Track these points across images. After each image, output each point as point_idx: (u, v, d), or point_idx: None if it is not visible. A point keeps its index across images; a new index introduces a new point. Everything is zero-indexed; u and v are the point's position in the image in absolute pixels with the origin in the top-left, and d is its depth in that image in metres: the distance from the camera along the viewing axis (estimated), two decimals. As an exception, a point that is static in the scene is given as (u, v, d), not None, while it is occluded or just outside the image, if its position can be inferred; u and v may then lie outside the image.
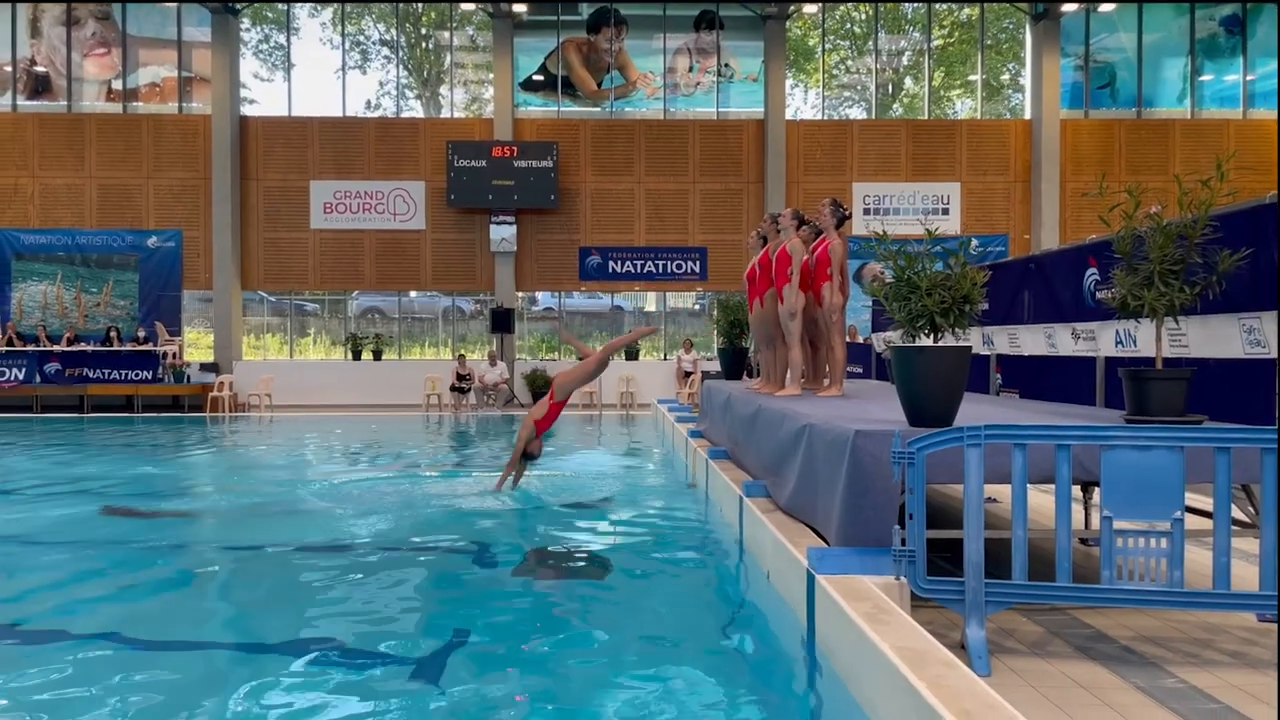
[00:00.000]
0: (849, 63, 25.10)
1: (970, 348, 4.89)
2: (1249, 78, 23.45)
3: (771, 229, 8.52)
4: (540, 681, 4.18)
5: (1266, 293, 4.85)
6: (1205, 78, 23.64)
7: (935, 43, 24.50)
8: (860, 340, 17.25)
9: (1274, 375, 4.98)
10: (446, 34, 24.47)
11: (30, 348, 21.26)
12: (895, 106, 24.90)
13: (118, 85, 23.37)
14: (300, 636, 4.83)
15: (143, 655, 4.56)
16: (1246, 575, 4.13)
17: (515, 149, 22.63)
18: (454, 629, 5.02)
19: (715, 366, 18.31)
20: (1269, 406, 5.03)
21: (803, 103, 24.83)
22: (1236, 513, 3.98)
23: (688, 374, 21.66)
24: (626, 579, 6.09)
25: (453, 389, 20.93)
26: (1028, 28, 23.66)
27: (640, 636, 4.81)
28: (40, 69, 23.34)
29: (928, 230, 5.20)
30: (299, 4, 23.94)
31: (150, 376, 21.08)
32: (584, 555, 6.89)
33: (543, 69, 23.74)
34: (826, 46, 24.66)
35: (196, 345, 23.93)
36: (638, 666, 4.36)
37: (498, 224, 22.90)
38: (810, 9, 23.98)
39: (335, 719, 3.76)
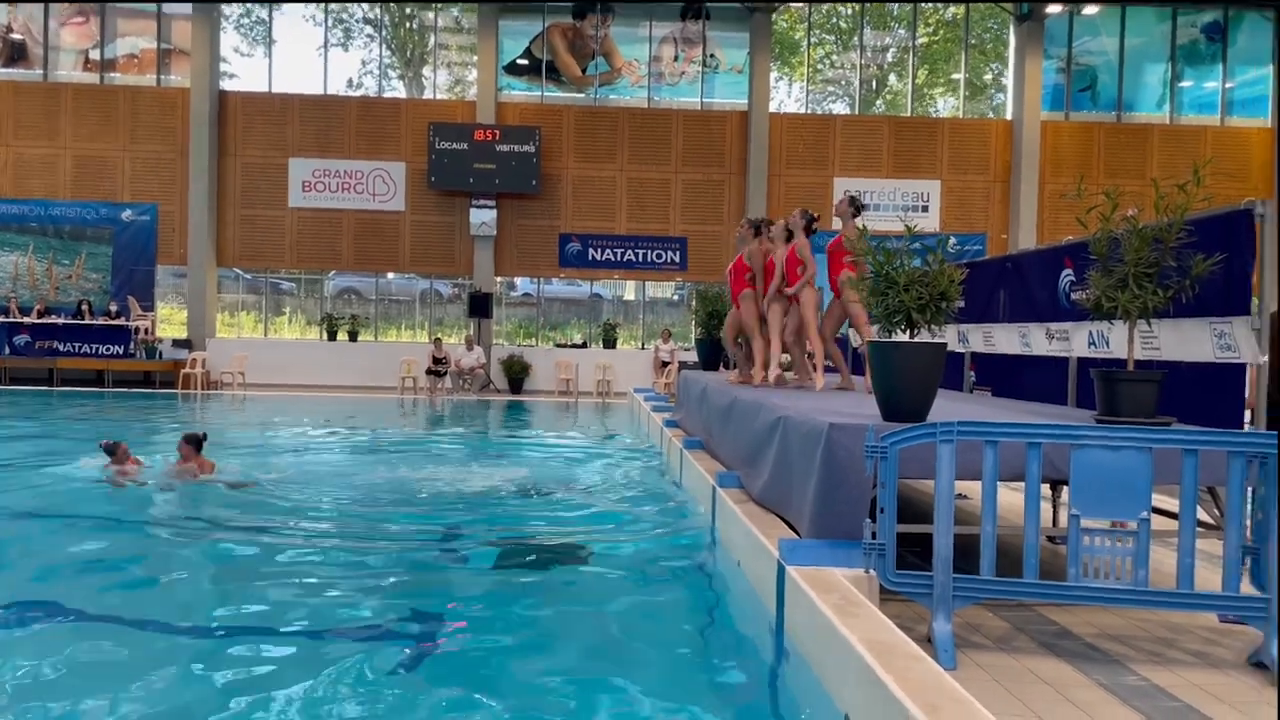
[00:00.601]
0: (834, 57, 25.13)
1: (945, 345, 4.92)
2: (1228, 85, 23.68)
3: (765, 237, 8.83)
4: (507, 671, 4.18)
5: (1238, 298, 4.91)
6: (1185, 84, 23.84)
7: (920, 40, 24.57)
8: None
9: (1242, 379, 5.04)
10: (431, 14, 24.27)
11: (0, 319, 20.97)
12: (878, 103, 24.96)
13: (95, 55, 23.03)
14: (259, 624, 4.79)
15: (103, 635, 4.53)
16: (1210, 576, 4.19)
17: (497, 132, 22.50)
18: (421, 617, 5.00)
19: (693, 357, 18.33)
20: (1236, 410, 5.09)
21: (786, 96, 24.86)
22: (1201, 514, 4.04)
23: (665, 364, 21.66)
24: (597, 568, 6.10)
25: (429, 372, 20.84)
26: (1011, 28, 23.77)
27: (610, 625, 4.82)
28: (16, 36, 22.94)
29: (907, 227, 5.23)
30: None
31: (122, 351, 20.85)
32: (554, 544, 6.87)
33: (527, 53, 23.61)
34: (812, 40, 24.67)
35: (170, 321, 23.68)
36: (607, 655, 4.37)
37: (478, 207, 22.78)
38: (797, 4, 23.98)
39: (290, 707, 3.74)
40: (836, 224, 8.37)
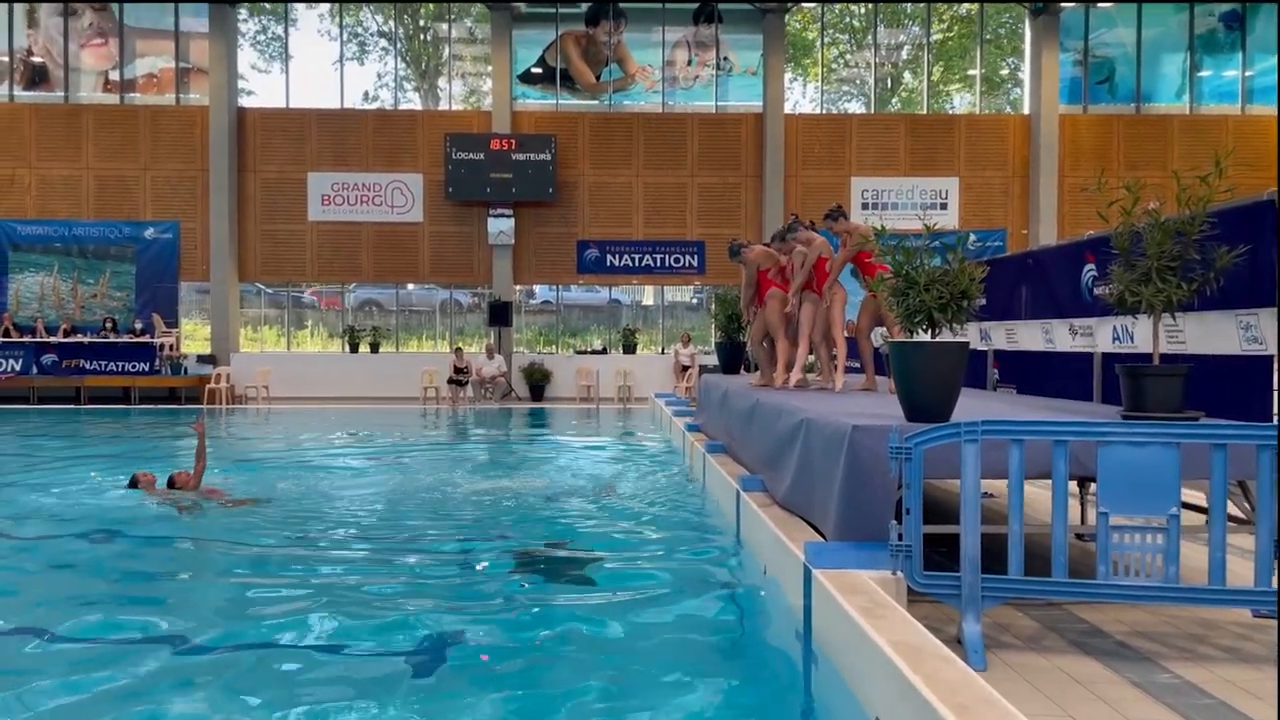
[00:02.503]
0: (848, 57, 25.07)
1: (968, 343, 4.89)
2: (1248, 74, 23.44)
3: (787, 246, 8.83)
4: (532, 675, 4.19)
5: (1264, 289, 4.86)
6: (1204, 73, 23.62)
7: (934, 37, 24.47)
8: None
9: (1271, 372, 4.99)
10: (445, 26, 24.41)
11: (27, 339, 21.22)
12: (894, 101, 24.87)
13: (115, 76, 23.30)
14: (279, 631, 4.81)
15: (130, 649, 4.57)
16: (1242, 571, 4.14)
17: (513, 142, 22.59)
18: (443, 624, 5.00)
19: (713, 360, 18.30)
20: (1265, 403, 5.04)
21: (801, 97, 24.81)
22: (1232, 509, 4.00)
23: (685, 368, 21.67)
24: (622, 573, 6.09)
25: (450, 382, 20.92)
26: (1027, 22, 23.63)
27: (636, 631, 4.81)
28: (37, 59, 23.26)
29: (926, 225, 5.20)
30: (298, 2, 23.89)
31: (147, 368, 21.05)
32: (579, 549, 6.88)
33: (541, 61, 23.69)
34: (825, 40, 24.63)
35: (194, 337, 23.90)
36: (633, 659, 4.37)
37: (495, 217, 22.87)
38: (809, 4, 23.95)
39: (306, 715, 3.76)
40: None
